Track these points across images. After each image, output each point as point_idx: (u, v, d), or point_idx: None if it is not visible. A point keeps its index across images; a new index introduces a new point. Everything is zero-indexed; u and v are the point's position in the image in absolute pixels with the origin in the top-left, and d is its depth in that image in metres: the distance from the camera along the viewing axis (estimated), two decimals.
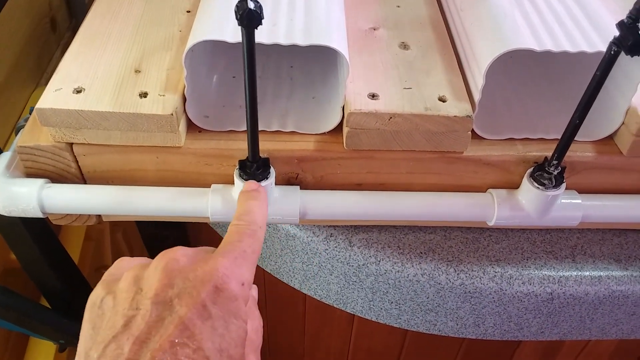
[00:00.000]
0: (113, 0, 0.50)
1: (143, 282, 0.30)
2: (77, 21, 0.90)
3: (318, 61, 0.51)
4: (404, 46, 0.47)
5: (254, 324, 0.34)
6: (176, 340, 0.26)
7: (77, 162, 0.43)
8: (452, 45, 0.48)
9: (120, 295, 0.29)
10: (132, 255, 0.95)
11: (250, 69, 0.35)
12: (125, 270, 0.32)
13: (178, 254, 0.31)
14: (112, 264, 0.33)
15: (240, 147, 0.43)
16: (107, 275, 0.33)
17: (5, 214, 0.43)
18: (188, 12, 0.49)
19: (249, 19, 0.31)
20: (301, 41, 0.39)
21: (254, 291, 0.37)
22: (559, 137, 0.41)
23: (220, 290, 0.29)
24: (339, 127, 0.44)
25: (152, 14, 0.48)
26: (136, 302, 0.29)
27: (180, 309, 0.28)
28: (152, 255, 0.32)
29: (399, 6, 0.52)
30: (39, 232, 0.53)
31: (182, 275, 0.29)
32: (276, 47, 0.39)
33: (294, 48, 0.39)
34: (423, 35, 0.49)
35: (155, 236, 1.06)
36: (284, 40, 0.39)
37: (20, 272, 0.62)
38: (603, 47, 0.39)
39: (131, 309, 0.28)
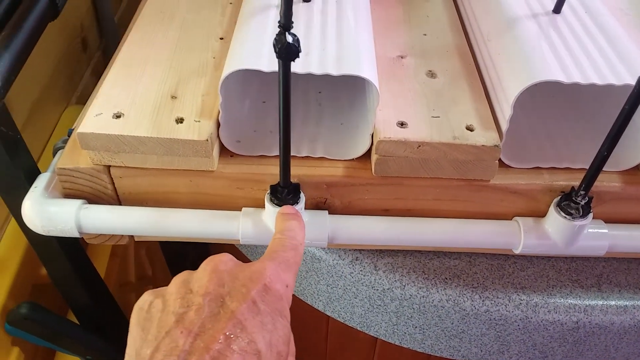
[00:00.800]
0: (149, 27, 0.51)
1: (193, 284, 0.31)
2: (107, 42, 0.92)
3: (346, 87, 0.52)
4: (431, 74, 0.48)
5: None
6: (229, 333, 0.27)
7: (113, 184, 0.44)
8: (479, 74, 0.49)
9: (170, 297, 0.30)
10: (154, 272, 0.96)
11: (285, 98, 0.36)
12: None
13: (225, 258, 0.32)
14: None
15: (271, 171, 0.44)
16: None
17: (43, 233, 0.44)
18: (221, 39, 0.51)
19: (287, 52, 0.33)
20: (334, 71, 0.40)
21: None
22: (585, 167, 0.41)
23: (268, 289, 0.30)
24: (367, 153, 0.45)
25: (186, 40, 0.50)
26: (187, 301, 0.30)
27: (232, 304, 0.29)
28: (173, 271, 0.33)
29: (425, 34, 0.53)
30: (72, 249, 0.54)
31: (232, 275, 0.31)
32: (306, 74, 0.40)
33: (323, 75, 0.40)
34: (450, 64, 0.49)
35: (176, 253, 1.08)
36: (316, 70, 0.40)
37: (48, 288, 0.64)
38: (631, 80, 0.40)
39: (182, 307, 0.29)
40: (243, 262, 0.34)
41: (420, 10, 0.56)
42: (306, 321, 0.66)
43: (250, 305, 0.29)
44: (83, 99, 0.84)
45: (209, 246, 0.99)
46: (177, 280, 0.32)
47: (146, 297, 0.32)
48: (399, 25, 0.54)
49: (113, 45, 0.93)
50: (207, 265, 0.32)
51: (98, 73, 0.91)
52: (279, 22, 0.32)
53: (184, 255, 1.07)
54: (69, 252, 0.53)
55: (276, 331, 0.29)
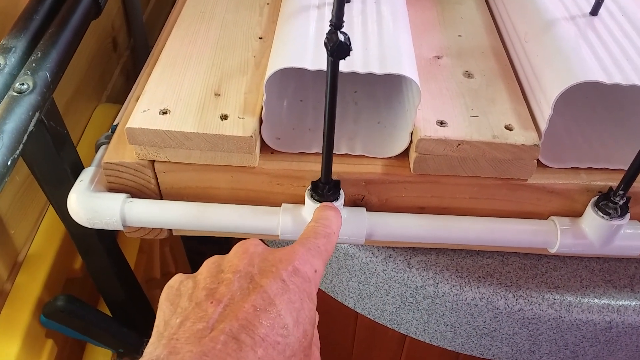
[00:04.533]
0: (191, 25, 0.52)
1: (224, 265, 0.32)
2: (135, 41, 0.94)
3: (381, 86, 0.53)
4: (468, 75, 0.49)
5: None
6: (257, 305, 0.28)
7: (156, 178, 0.45)
8: (515, 74, 0.49)
9: (201, 277, 0.31)
10: (176, 268, 0.97)
11: (332, 95, 0.36)
12: None
13: (256, 242, 0.33)
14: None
15: (311, 168, 0.45)
16: None
17: (89, 226, 0.45)
18: (260, 38, 0.52)
19: (339, 50, 0.33)
20: (377, 70, 0.41)
21: None
22: (623, 167, 0.41)
23: (297, 270, 0.31)
24: (405, 151, 0.45)
25: (227, 39, 0.51)
26: (218, 279, 0.30)
27: (262, 281, 0.29)
28: (194, 268, 0.34)
29: (460, 35, 0.54)
30: (110, 243, 0.55)
31: (262, 257, 0.32)
32: (344, 74, 0.41)
33: (359, 73, 0.41)
34: (486, 64, 0.50)
35: (196, 250, 1.09)
36: (360, 69, 0.41)
37: (79, 281, 0.65)
38: None
39: (214, 283, 0.30)
40: None
41: (453, 12, 0.57)
42: (334, 318, 0.67)
43: (279, 283, 0.29)
44: (112, 98, 0.85)
45: (230, 243, 1.01)
46: (209, 262, 0.33)
47: (177, 277, 0.32)
48: (433, 26, 0.54)
49: (141, 45, 0.95)
50: (239, 247, 0.33)
51: (127, 73, 0.93)
52: (330, 20, 0.33)
53: (204, 252, 1.09)
54: (107, 245, 0.54)
55: (303, 310, 0.30)
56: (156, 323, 0.30)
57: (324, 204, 0.41)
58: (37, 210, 0.64)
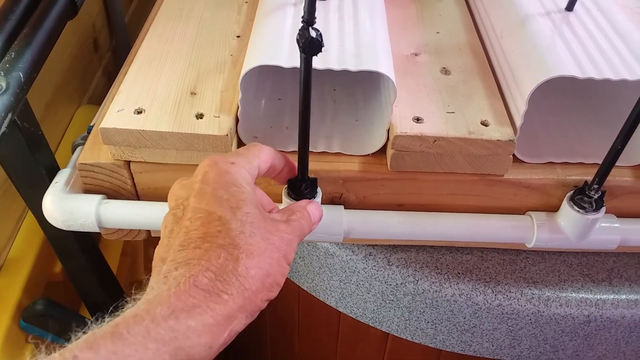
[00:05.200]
0: (168, 23, 0.52)
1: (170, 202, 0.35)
2: (117, 42, 0.93)
3: (360, 84, 0.53)
4: (445, 71, 0.49)
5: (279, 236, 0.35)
6: (190, 218, 0.31)
7: (133, 179, 0.45)
8: (492, 70, 0.50)
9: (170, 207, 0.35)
10: None
11: (306, 92, 0.36)
12: None
13: (176, 186, 0.35)
14: (145, 279, 0.35)
15: None
16: None
17: (64, 228, 0.45)
18: (238, 36, 0.51)
19: (311, 46, 0.33)
20: (352, 67, 0.41)
21: (317, 210, 0.39)
22: (598, 162, 0.42)
23: (208, 172, 0.33)
24: (382, 148, 0.45)
25: (204, 38, 0.51)
26: (166, 221, 0.33)
27: (188, 201, 0.32)
28: None
29: (438, 32, 0.54)
30: (88, 245, 0.55)
31: (180, 186, 0.34)
32: (320, 70, 0.41)
33: (338, 71, 0.41)
34: (463, 61, 0.50)
35: None
36: (336, 66, 0.41)
37: (60, 285, 0.64)
38: None
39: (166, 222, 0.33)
40: None
41: (432, 9, 0.57)
42: (317, 317, 0.67)
43: (198, 193, 0.32)
44: (94, 99, 0.84)
45: None
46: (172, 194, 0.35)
47: (175, 192, 0.35)
48: (412, 23, 0.55)
49: (123, 46, 0.94)
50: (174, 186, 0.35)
51: (109, 73, 0.92)
52: (302, 17, 0.33)
53: None
54: (85, 247, 0.54)
55: (235, 197, 0.32)
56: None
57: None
58: (17, 213, 0.63)
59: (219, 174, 0.33)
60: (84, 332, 0.27)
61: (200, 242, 0.30)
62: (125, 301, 0.29)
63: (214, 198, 0.32)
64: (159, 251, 0.32)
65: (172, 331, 0.27)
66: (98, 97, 0.85)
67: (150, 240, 0.51)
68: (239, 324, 0.30)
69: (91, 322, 0.28)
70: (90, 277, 0.57)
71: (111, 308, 0.29)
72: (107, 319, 0.27)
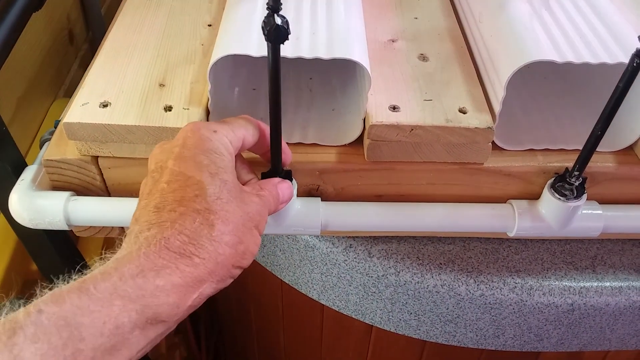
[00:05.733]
0: (136, 14, 0.50)
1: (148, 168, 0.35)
2: (94, 34, 0.91)
3: (337, 72, 0.51)
4: (423, 58, 0.48)
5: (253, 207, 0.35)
6: (166, 181, 0.32)
7: (102, 175, 0.44)
8: (471, 56, 0.48)
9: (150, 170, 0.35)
10: None
11: (275, 82, 0.35)
12: None
13: (156, 149, 0.35)
14: (118, 241, 0.36)
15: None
16: None
17: (32, 227, 0.43)
18: (209, 25, 0.50)
19: (277, 35, 0.32)
20: (324, 54, 0.39)
21: (287, 189, 0.39)
22: (579, 148, 0.41)
23: (189, 137, 0.33)
24: (360, 138, 0.44)
25: (174, 27, 0.49)
26: (144, 183, 0.34)
27: (166, 163, 0.33)
28: None
29: (416, 18, 0.53)
30: (61, 243, 0.53)
31: (161, 149, 0.34)
32: (296, 59, 0.40)
33: (314, 60, 0.39)
34: (442, 47, 0.49)
35: None
36: (307, 54, 0.39)
37: (38, 283, 0.63)
38: (624, 58, 0.39)
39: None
40: None
41: None
42: (301, 310, 0.66)
43: (177, 156, 0.32)
44: (71, 92, 0.82)
45: None
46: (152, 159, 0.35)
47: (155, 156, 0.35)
48: (389, 9, 0.53)
49: (100, 38, 0.92)
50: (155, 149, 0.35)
51: (86, 65, 0.90)
52: (267, 3, 0.32)
53: None
54: (58, 245, 0.52)
55: (214, 164, 0.32)
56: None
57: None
58: None
59: (200, 139, 0.33)
60: (51, 289, 0.27)
61: (176, 205, 0.30)
62: (94, 261, 0.30)
63: (193, 162, 0.32)
64: (135, 213, 0.32)
65: (140, 289, 0.27)
66: (75, 90, 0.83)
67: None
68: (209, 287, 0.30)
69: (59, 279, 0.28)
70: (65, 276, 0.55)
71: (78, 267, 0.29)
72: (74, 277, 0.28)
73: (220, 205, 0.31)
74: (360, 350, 0.65)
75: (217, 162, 0.33)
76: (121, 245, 0.31)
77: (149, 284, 0.28)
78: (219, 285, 0.31)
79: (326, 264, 0.52)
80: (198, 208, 0.30)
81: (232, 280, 0.32)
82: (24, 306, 0.26)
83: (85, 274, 0.28)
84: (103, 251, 0.31)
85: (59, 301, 0.26)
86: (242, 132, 0.36)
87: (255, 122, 0.38)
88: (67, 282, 0.27)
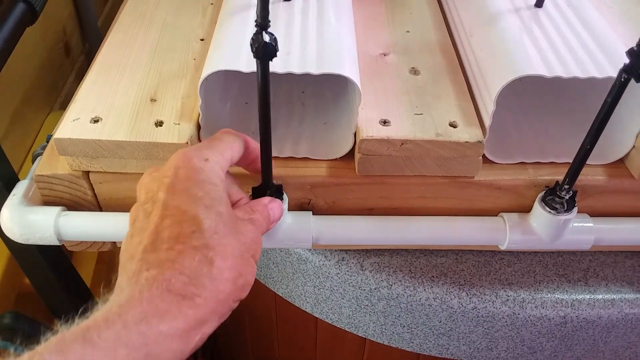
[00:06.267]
0: (129, 28, 0.51)
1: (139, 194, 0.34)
2: (90, 46, 0.91)
3: (329, 86, 0.51)
4: (414, 71, 0.48)
5: (248, 236, 0.34)
6: (159, 217, 0.31)
7: (93, 190, 0.44)
8: (462, 70, 0.49)
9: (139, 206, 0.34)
10: None
11: (264, 99, 0.35)
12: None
13: (145, 177, 0.34)
14: (114, 278, 0.35)
15: None
16: None
17: (22, 242, 0.43)
18: (202, 40, 0.50)
19: (264, 52, 0.32)
20: (314, 70, 0.39)
21: (277, 207, 0.39)
22: (570, 161, 0.41)
23: (180, 168, 0.32)
24: (351, 152, 0.44)
25: (166, 42, 0.49)
26: (134, 215, 0.33)
27: (158, 195, 0.32)
28: None
29: (408, 31, 0.53)
30: (54, 257, 0.53)
31: (157, 174, 0.33)
32: (288, 74, 0.40)
33: (306, 75, 0.40)
34: (433, 61, 0.49)
35: None
36: (297, 69, 0.39)
37: (33, 297, 0.63)
38: (613, 72, 0.40)
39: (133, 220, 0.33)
40: None
41: (403, 8, 0.56)
42: (295, 323, 0.66)
43: (169, 188, 0.31)
44: (67, 105, 0.83)
45: None
46: (140, 190, 0.34)
47: (140, 192, 0.34)
48: (381, 22, 0.53)
49: (97, 50, 0.92)
50: (138, 186, 0.34)
51: (82, 78, 0.90)
52: (255, 21, 0.32)
53: None
54: (51, 260, 0.52)
55: (208, 196, 0.31)
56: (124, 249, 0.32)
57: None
58: None
59: (193, 169, 0.32)
60: (54, 334, 0.26)
61: (173, 242, 0.30)
62: (95, 302, 0.29)
63: (187, 196, 0.31)
64: (127, 247, 0.31)
65: (144, 337, 0.27)
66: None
67: None
68: (211, 327, 0.30)
69: (61, 323, 0.27)
70: (58, 290, 0.55)
71: (81, 309, 0.29)
72: (77, 320, 0.27)
73: (217, 240, 0.30)
74: None
75: (211, 194, 0.32)
76: (117, 283, 0.30)
77: (153, 330, 0.27)
78: (219, 322, 0.31)
79: (319, 277, 0.52)
80: (196, 245, 0.30)
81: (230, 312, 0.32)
82: (27, 353, 0.25)
83: (88, 317, 0.27)
84: (102, 290, 0.30)
85: (63, 351, 0.25)
86: (229, 153, 0.35)
87: (239, 136, 0.37)
88: (71, 325, 0.27)
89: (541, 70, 0.40)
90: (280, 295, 0.59)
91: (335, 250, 0.51)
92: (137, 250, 0.30)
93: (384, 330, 0.53)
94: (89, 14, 0.88)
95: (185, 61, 0.48)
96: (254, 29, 0.33)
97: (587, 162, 0.40)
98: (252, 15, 0.45)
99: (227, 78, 0.51)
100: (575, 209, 0.43)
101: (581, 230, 0.45)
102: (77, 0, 0.85)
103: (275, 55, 0.33)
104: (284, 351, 0.73)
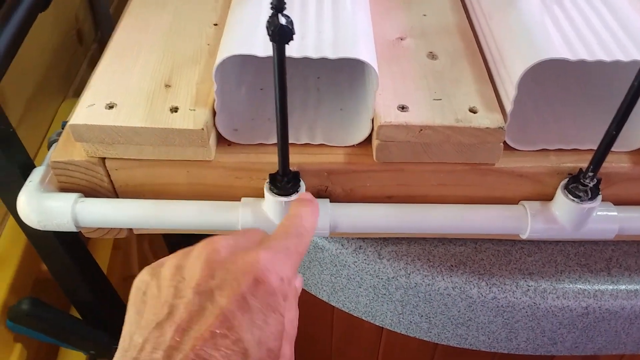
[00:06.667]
0: (141, 13, 0.50)
1: (185, 271, 0.30)
2: (103, 33, 0.91)
3: (345, 71, 0.51)
4: (432, 56, 0.47)
5: (290, 315, 0.34)
6: (217, 331, 0.27)
7: (109, 176, 0.43)
8: (481, 53, 0.47)
9: (164, 283, 0.30)
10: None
11: (281, 83, 0.34)
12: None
13: (219, 245, 0.31)
14: (139, 273, 0.33)
15: (270, 160, 0.43)
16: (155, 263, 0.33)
17: (40, 229, 0.43)
18: (215, 25, 0.49)
19: (281, 34, 0.31)
20: (330, 54, 0.39)
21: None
22: (594, 148, 0.40)
23: (259, 283, 0.29)
24: (368, 138, 0.44)
25: (179, 27, 0.49)
26: (179, 292, 0.29)
27: (221, 300, 0.28)
28: None
29: (425, 15, 0.52)
30: (71, 243, 0.53)
31: (223, 267, 0.30)
32: (303, 59, 0.39)
33: (321, 58, 0.39)
34: (451, 44, 0.48)
35: (179, 245, 1.07)
36: (313, 54, 0.39)
37: (50, 283, 0.63)
38: (638, 56, 0.38)
39: (175, 298, 0.29)
40: None
41: None
42: (311, 311, 0.66)
43: (239, 302, 0.28)
44: (80, 92, 0.82)
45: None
46: (172, 264, 0.31)
47: (143, 277, 0.31)
48: (397, 6, 0.52)
49: (109, 36, 0.92)
50: (201, 252, 0.31)
51: (94, 65, 0.90)
52: (271, 3, 0.31)
53: (187, 245, 1.07)
54: (67, 246, 0.52)
55: (267, 327, 0.28)
56: (123, 333, 0.29)
57: (301, 198, 0.39)
58: (1, 212, 0.62)
59: (268, 293, 0.29)
60: None
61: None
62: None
63: (250, 322, 0.28)
64: (139, 330, 0.28)
65: None
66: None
67: (145, 234, 0.49)
68: None
69: None
70: (75, 276, 0.55)
71: None
72: None
73: None
74: (371, 352, 0.64)
75: (273, 326, 0.28)
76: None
77: None
78: None
79: (336, 265, 0.52)
80: None
81: None
82: None
83: None
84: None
85: None
86: (301, 259, 0.33)
87: (310, 237, 0.35)
88: None
89: (565, 53, 0.38)
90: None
91: (352, 239, 0.50)
92: (148, 332, 0.27)
93: (401, 319, 0.53)
94: (102, 0, 0.87)
95: (199, 46, 0.47)
96: (269, 12, 0.32)
97: (611, 149, 0.39)
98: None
99: (242, 63, 0.50)
100: (600, 197, 0.42)
101: (605, 219, 0.44)
102: None
103: (292, 39, 0.32)
104: (299, 339, 0.73)
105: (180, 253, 0.32)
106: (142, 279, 0.31)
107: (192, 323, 0.27)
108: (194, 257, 0.31)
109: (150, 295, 0.29)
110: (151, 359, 0.26)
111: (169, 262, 0.31)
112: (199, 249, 0.31)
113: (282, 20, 0.31)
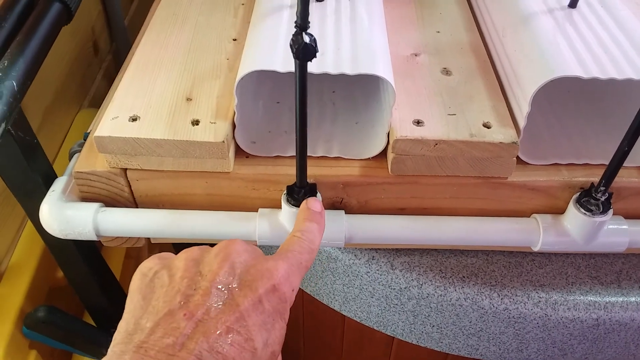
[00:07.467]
0: (162, 29, 0.51)
1: (203, 266, 0.31)
2: (118, 45, 0.93)
3: (359, 85, 0.52)
4: (446, 72, 0.48)
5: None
6: (233, 327, 0.28)
7: (130, 186, 0.44)
8: (494, 70, 0.48)
9: (178, 273, 0.30)
10: None
11: (302, 98, 0.36)
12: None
13: (242, 248, 0.32)
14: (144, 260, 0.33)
15: (287, 172, 0.44)
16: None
17: (62, 237, 0.44)
18: (234, 40, 0.51)
19: (305, 52, 0.33)
20: (349, 70, 0.40)
21: None
22: (605, 163, 0.41)
23: (275, 290, 0.30)
24: (383, 152, 0.45)
25: (200, 42, 0.50)
26: (195, 283, 0.30)
27: (239, 299, 0.29)
28: None
29: (439, 32, 0.53)
30: (89, 252, 0.54)
31: (244, 268, 0.31)
32: (320, 74, 0.40)
33: (338, 75, 0.40)
34: (464, 61, 0.49)
35: None
36: (332, 70, 0.40)
37: (63, 291, 0.64)
38: None
39: (189, 289, 0.29)
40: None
41: (433, 8, 0.56)
42: (322, 320, 0.66)
43: (256, 303, 0.29)
44: (95, 103, 0.84)
45: None
46: (187, 256, 0.32)
47: (150, 264, 0.31)
48: (412, 23, 0.53)
49: (123, 49, 0.94)
50: (221, 251, 0.32)
51: (109, 76, 0.92)
52: (295, 22, 0.32)
53: None
54: (86, 255, 0.53)
55: (274, 331, 0.29)
56: (125, 316, 0.29)
57: (311, 205, 0.40)
58: (18, 220, 0.63)
59: (281, 300, 0.30)
60: None
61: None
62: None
63: (262, 324, 0.29)
64: (133, 309, 0.29)
65: None
66: (99, 101, 0.84)
67: (155, 243, 0.50)
68: None
69: None
70: (92, 284, 0.56)
71: None
72: None
73: None
74: None
75: (278, 331, 0.30)
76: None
77: None
78: None
79: (348, 275, 0.53)
80: None
81: None
82: None
83: None
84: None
85: None
86: (305, 273, 0.34)
87: (315, 252, 0.36)
88: None
89: (577, 71, 0.40)
90: (309, 292, 0.59)
91: (365, 249, 0.51)
92: (160, 320, 0.28)
93: (412, 329, 0.53)
94: (117, 13, 0.89)
95: (218, 61, 0.48)
96: (289, 29, 0.33)
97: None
98: (286, 15, 0.45)
99: (259, 78, 0.52)
100: (611, 211, 0.42)
101: (616, 233, 0.44)
102: (106, 1, 0.87)
103: (315, 56, 0.33)
104: (310, 348, 0.74)
105: (194, 249, 0.33)
106: (149, 266, 0.31)
107: (209, 316, 0.28)
108: (213, 254, 0.32)
109: (160, 283, 0.30)
110: (162, 343, 0.26)
111: (182, 255, 0.32)
112: (217, 247, 0.33)
113: (306, 39, 0.32)
